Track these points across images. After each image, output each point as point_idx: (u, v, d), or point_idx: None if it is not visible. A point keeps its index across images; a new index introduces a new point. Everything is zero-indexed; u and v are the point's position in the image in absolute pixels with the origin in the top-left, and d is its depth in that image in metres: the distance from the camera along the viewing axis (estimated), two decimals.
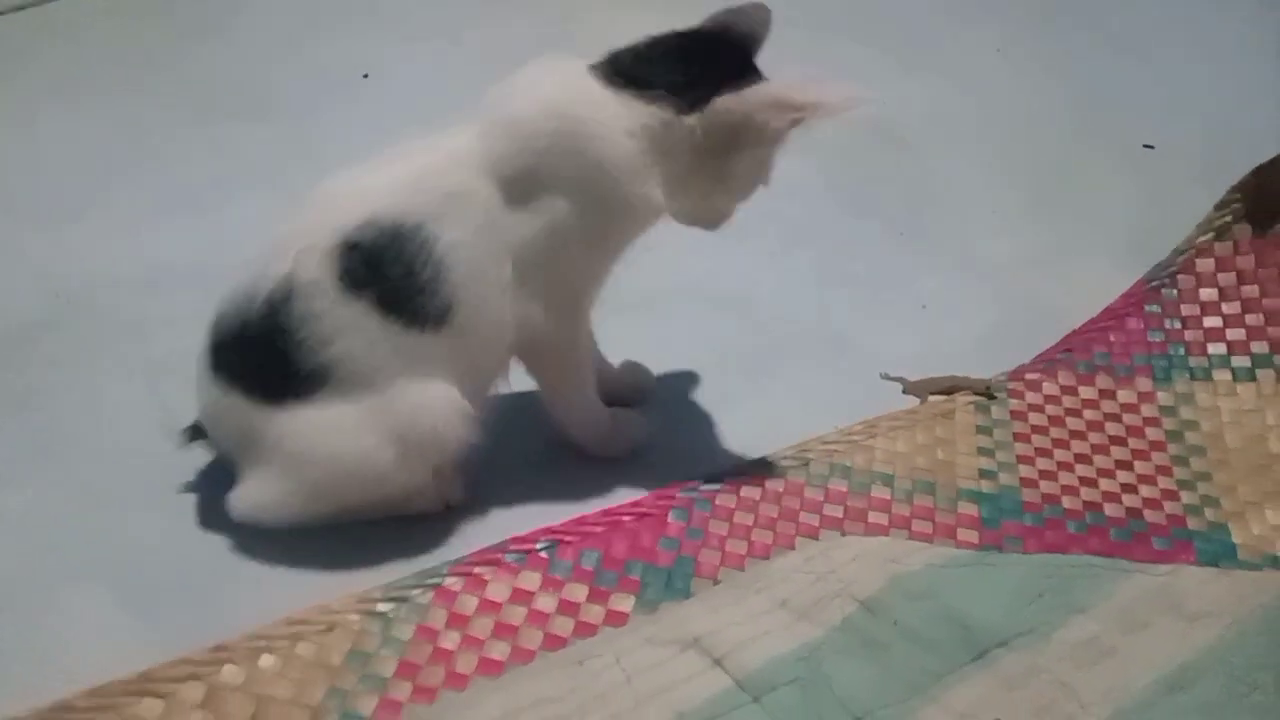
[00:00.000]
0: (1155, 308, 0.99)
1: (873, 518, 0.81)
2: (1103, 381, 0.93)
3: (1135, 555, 0.78)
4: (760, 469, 0.83)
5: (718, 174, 0.73)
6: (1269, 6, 1.47)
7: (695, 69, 0.72)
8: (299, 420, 0.71)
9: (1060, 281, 1.05)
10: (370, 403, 0.71)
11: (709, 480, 0.82)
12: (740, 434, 0.89)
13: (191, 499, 0.82)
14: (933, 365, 0.95)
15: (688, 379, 0.95)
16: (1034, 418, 0.90)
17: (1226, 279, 0.99)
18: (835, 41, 1.31)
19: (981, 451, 0.87)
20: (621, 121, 0.71)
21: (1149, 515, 0.82)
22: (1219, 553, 0.78)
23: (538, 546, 0.75)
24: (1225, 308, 0.97)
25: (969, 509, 0.82)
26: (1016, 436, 0.88)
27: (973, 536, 0.79)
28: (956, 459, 0.86)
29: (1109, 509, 0.82)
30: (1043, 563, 0.74)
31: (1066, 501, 0.83)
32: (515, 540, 0.76)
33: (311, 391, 0.71)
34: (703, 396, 0.94)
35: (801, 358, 0.96)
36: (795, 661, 0.67)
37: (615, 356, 0.92)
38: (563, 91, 0.72)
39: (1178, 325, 0.97)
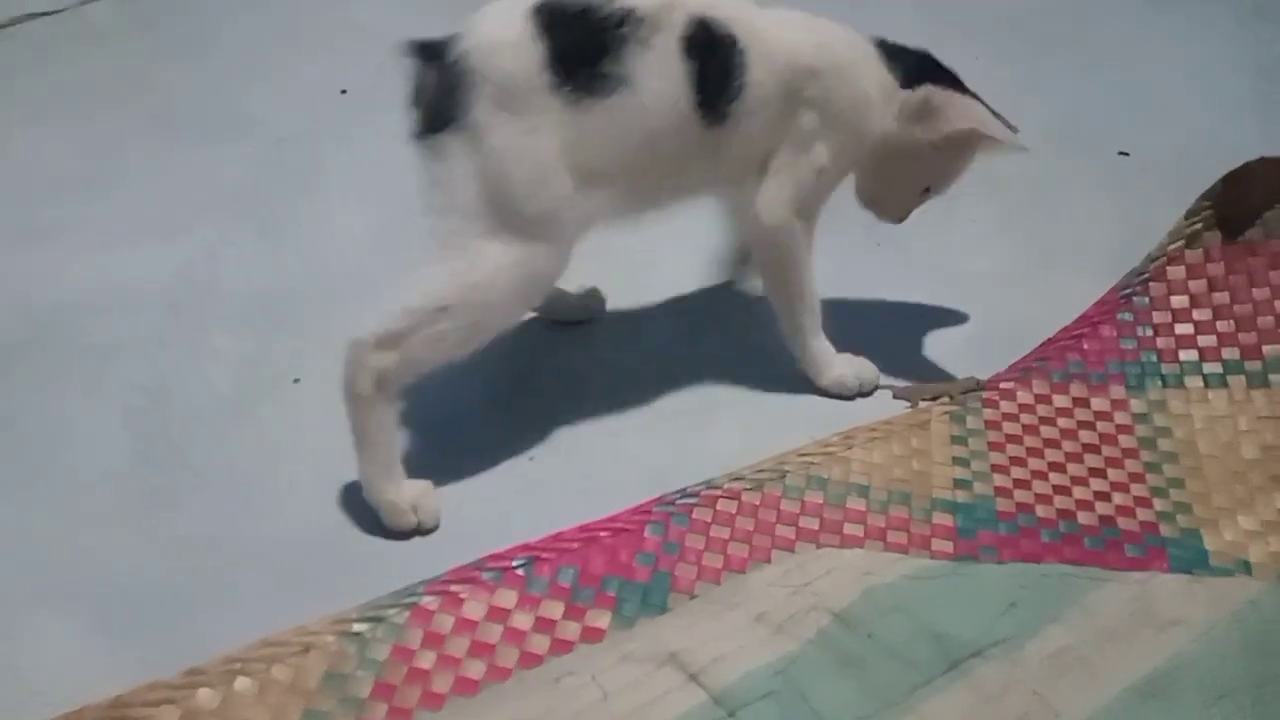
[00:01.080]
0: (1128, 315, 0.99)
1: (848, 529, 0.81)
2: (1076, 389, 0.94)
3: (1108, 563, 0.78)
4: (737, 482, 0.84)
5: (902, 161, 0.91)
6: (1242, 18, 1.49)
7: (927, 69, 0.90)
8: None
9: (1037, 292, 1.06)
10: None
11: (686, 494, 0.82)
12: (719, 446, 0.89)
13: (163, 521, 0.82)
14: (911, 378, 0.96)
15: (665, 389, 0.95)
16: (1008, 426, 0.91)
17: (1198, 286, 0.99)
18: None
19: (956, 461, 0.87)
20: (874, 70, 0.89)
21: (1122, 522, 0.82)
22: (1191, 559, 0.79)
23: (514, 564, 0.75)
24: (1197, 314, 0.98)
25: (944, 519, 0.82)
26: (991, 446, 0.89)
27: (947, 547, 0.80)
28: (932, 469, 0.87)
29: (1082, 517, 0.83)
30: (1016, 572, 0.75)
31: (1040, 510, 0.83)
32: (492, 558, 0.76)
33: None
34: (681, 408, 0.94)
35: (780, 368, 0.96)
36: (771, 676, 0.67)
37: (597, 365, 0.93)
38: (844, 35, 0.90)
39: (1149, 332, 0.98)
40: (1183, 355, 0.96)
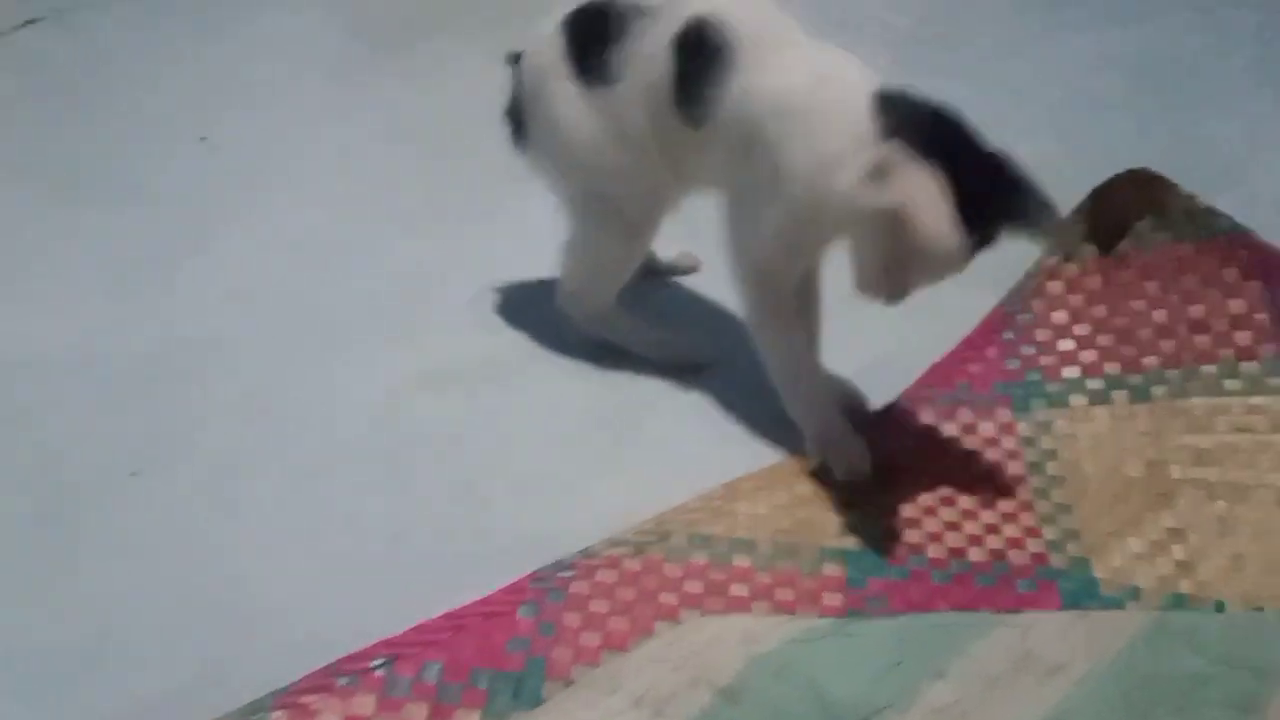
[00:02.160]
0: (1010, 334, 0.98)
1: (734, 590, 0.77)
2: (964, 416, 0.92)
3: (999, 602, 0.76)
4: (617, 548, 0.80)
5: (863, 228, 0.78)
6: (1115, 22, 1.51)
7: (936, 143, 0.74)
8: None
9: (925, 313, 1.04)
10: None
11: (562, 567, 0.78)
12: (600, 507, 0.85)
13: (63, 587, 0.79)
14: None
15: (540, 450, 0.91)
16: (898, 462, 0.88)
17: (1076, 300, 0.99)
18: None
19: (845, 505, 0.85)
20: (850, 118, 0.78)
21: (1013, 556, 0.80)
22: (1081, 590, 0.77)
23: (373, 665, 0.70)
24: (1076, 329, 0.97)
25: (833, 569, 0.79)
26: (880, 485, 0.86)
27: (837, 600, 0.77)
28: (820, 516, 0.84)
29: (973, 554, 0.81)
30: (902, 627, 0.72)
31: (931, 550, 0.81)
32: (348, 660, 0.70)
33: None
34: (558, 469, 0.90)
35: (662, 416, 0.93)
36: None
37: (467, 425, 0.90)
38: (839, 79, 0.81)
39: (1033, 350, 0.97)
40: (1065, 373, 0.95)
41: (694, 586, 0.77)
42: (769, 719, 0.65)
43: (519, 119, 0.93)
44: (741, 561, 0.79)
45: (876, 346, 0.99)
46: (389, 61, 1.43)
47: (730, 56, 0.82)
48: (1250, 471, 0.86)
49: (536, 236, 1.01)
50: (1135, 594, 0.77)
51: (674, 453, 0.92)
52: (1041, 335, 0.97)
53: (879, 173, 0.73)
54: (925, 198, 0.72)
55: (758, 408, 0.93)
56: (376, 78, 1.41)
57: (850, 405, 0.92)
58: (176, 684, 0.73)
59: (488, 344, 1.01)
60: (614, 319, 0.99)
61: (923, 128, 0.75)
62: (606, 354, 0.99)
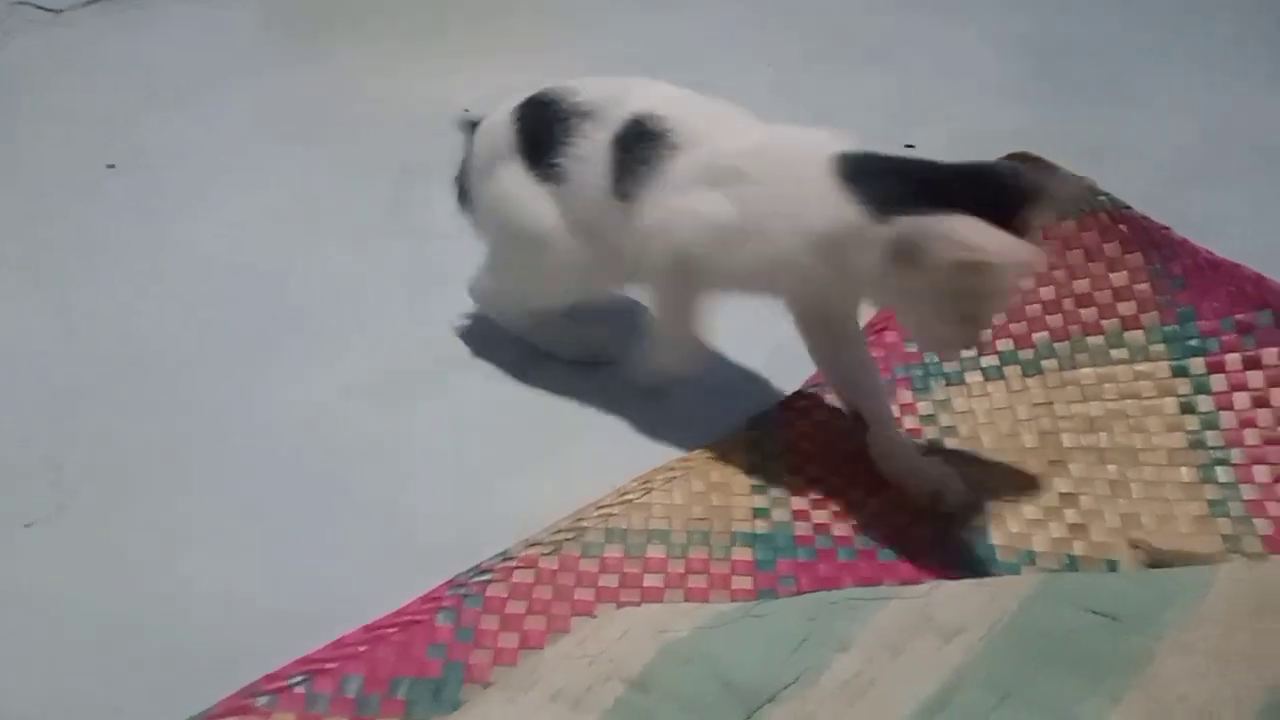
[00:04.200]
0: None
1: (648, 581, 0.79)
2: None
3: (902, 575, 0.79)
4: (534, 548, 0.81)
5: (912, 301, 0.76)
6: (1017, 6, 1.56)
7: (926, 190, 0.73)
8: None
9: None
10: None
11: (479, 571, 0.79)
12: (522, 510, 0.86)
13: None
14: (714, 393, 0.96)
15: (463, 456, 0.92)
16: (805, 446, 0.91)
17: None
18: None
19: (755, 490, 0.87)
20: (820, 213, 0.77)
21: (915, 529, 0.84)
22: (980, 557, 0.81)
23: (291, 682, 0.70)
24: None
25: (743, 553, 0.82)
26: (789, 469, 0.89)
27: (747, 583, 0.79)
28: (732, 501, 0.86)
29: (877, 529, 0.84)
30: (807, 604, 0.74)
31: (837, 529, 0.84)
32: (266, 679, 0.71)
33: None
34: (481, 474, 0.91)
35: (582, 416, 0.95)
36: None
37: (385, 431, 0.92)
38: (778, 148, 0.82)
39: None
40: (961, 352, 0.98)
41: (609, 581, 0.79)
42: (678, 706, 0.67)
43: (466, 185, 0.97)
44: (655, 552, 0.81)
45: (780, 335, 1.01)
46: (304, 61, 1.43)
47: (671, 140, 0.84)
48: (1140, 435, 0.90)
49: (460, 242, 1.01)
50: (1030, 558, 0.81)
51: (594, 451, 0.93)
52: None
53: (906, 248, 0.72)
54: (980, 236, 0.70)
55: (673, 400, 0.95)
56: (292, 78, 1.40)
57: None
58: (89, 706, 0.73)
59: (410, 352, 1.01)
60: (526, 316, 1.00)
61: (898, 183, 0.75)
62: (529, 359, 1.00)
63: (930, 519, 0.84)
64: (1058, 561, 0.81)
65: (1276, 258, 0.96)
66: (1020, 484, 0.87)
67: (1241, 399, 0.89)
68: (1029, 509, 0.85)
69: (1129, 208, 1.00)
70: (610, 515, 0.84)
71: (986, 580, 0.77)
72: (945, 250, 0.70)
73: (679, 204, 0.83)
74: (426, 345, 1.02)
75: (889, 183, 0.75)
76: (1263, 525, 0.82)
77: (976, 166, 0.76)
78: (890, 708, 0.67)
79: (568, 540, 0.82)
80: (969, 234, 0.70)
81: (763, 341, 1.01)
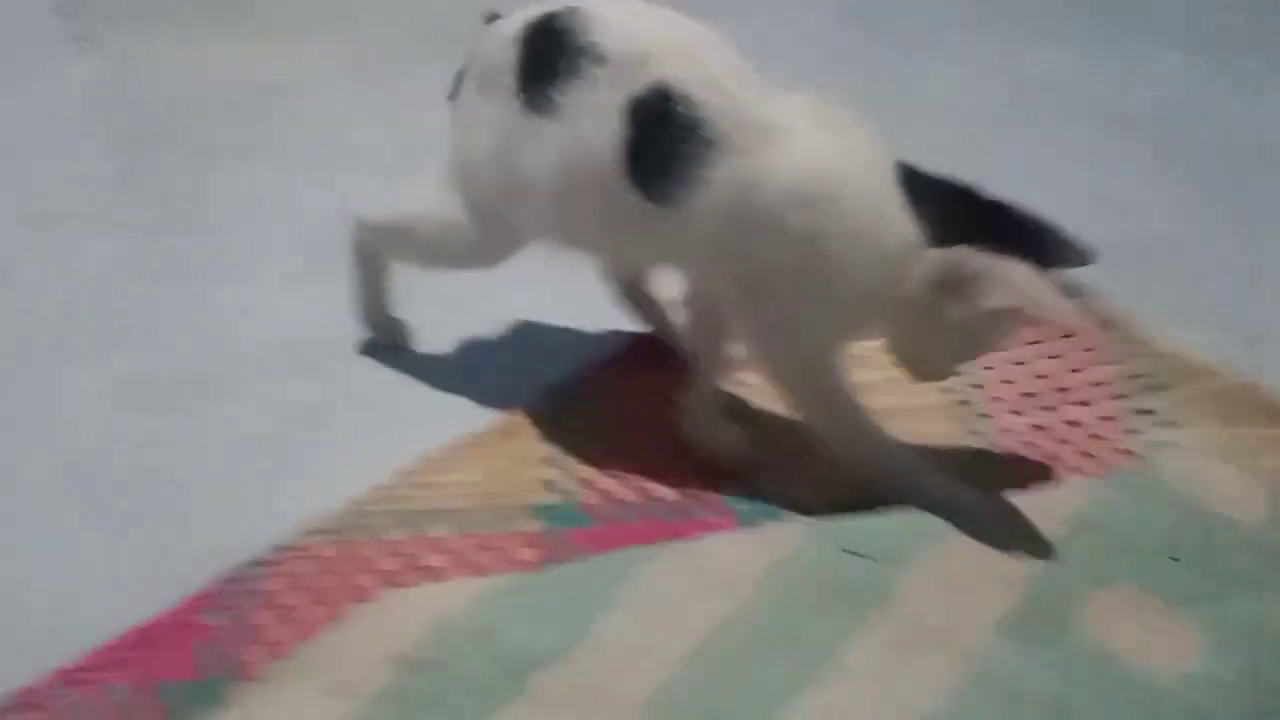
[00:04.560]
0: None
1: (434, 561, 0.79)
2: (667, 373, 0.96)
3: (683, 533, 0.81)
4: (315, 536, 0.80)
5: (934, 327, 0.75)
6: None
7: (962, 215, 0.73)
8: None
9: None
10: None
11: (255, 564, 0.77)
12: (303, 505, 0.83)
13: None
14: (507, 369, 0.96)
15: (239, 455, 0.89)
16: (600, 416, 0.92)
17: None
18: None
19: (545, 462, 0.88)
20: (891, 220, 0.74)
21: (698, 489, 0.86)
22: (757, 512, 0.83)
23: (53, 691, 0.67)
24: None
25: (530, 525, 0.82)
26: (582, 439, 0.90)
27: (531, 554, 0.80)
28: (522, 475, 0.86)
29: (661, 492, 0.85)
30: (581, 570, 0.76)
31: (624, 494, 0.85)
32: (24, 693, 0.68)
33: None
34: (259, 471, 0.88)
35: (363, 404, 0.93)
36: None
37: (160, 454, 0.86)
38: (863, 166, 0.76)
39: None
40: None
41: (391, 564, 0.79)
42: (450, 682, 0.68)
43: (460, 81, 0.86)
44: (440, 531, 0.81)
45: (579, 307, 1.02)
46: (100, 43, 1.36)
47: (709, 135, 0.74)
48: (908, 398, 0.92)
49: (235, 236, 0.97)
50: (806, 509, 0.84)
51: (378, 438, 0.90)
52: None
53: (958, 279, 0.72)
54: (1032, 287, 0.70)
55: (456, 383, 0.95)
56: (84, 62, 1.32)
57: None
58: None
59: (180, 353, 0.97)
60: (375, 268, 0.96)
61: (963, 215, 0.73)
62: (306, 352, 0.97)
63: (720, 478, 0.86)
64: (828, 506, 0.84)
65: (1076, 208, 1.01)
66: (792, 446, 0.89)
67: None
68: (810, 464, 0.88)
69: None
70: (395, 498, 0.83)
71: (756, 531, 0.80)
72: (999, 294, 0.70)
73: (787, 342, 0.78)
74: (203, 343, 0.98)
75: (952, 210, 0.74)
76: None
77: (1036, 218, 0.75)
78: (659, 662, 0.69)
79: (348, 526, 0.81)
80: (1026, 285, 0.70)
81: (560, 314, 1.02)
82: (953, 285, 0.72)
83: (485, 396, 0.94)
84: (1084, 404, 0.92)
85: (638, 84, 0.75)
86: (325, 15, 1.45)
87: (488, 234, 0.86)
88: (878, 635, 0.71)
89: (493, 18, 0.86)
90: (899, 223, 0.74)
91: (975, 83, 1.38)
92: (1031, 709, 0.66)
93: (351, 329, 0.99)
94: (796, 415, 0.84)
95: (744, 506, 0.84)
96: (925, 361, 0.81)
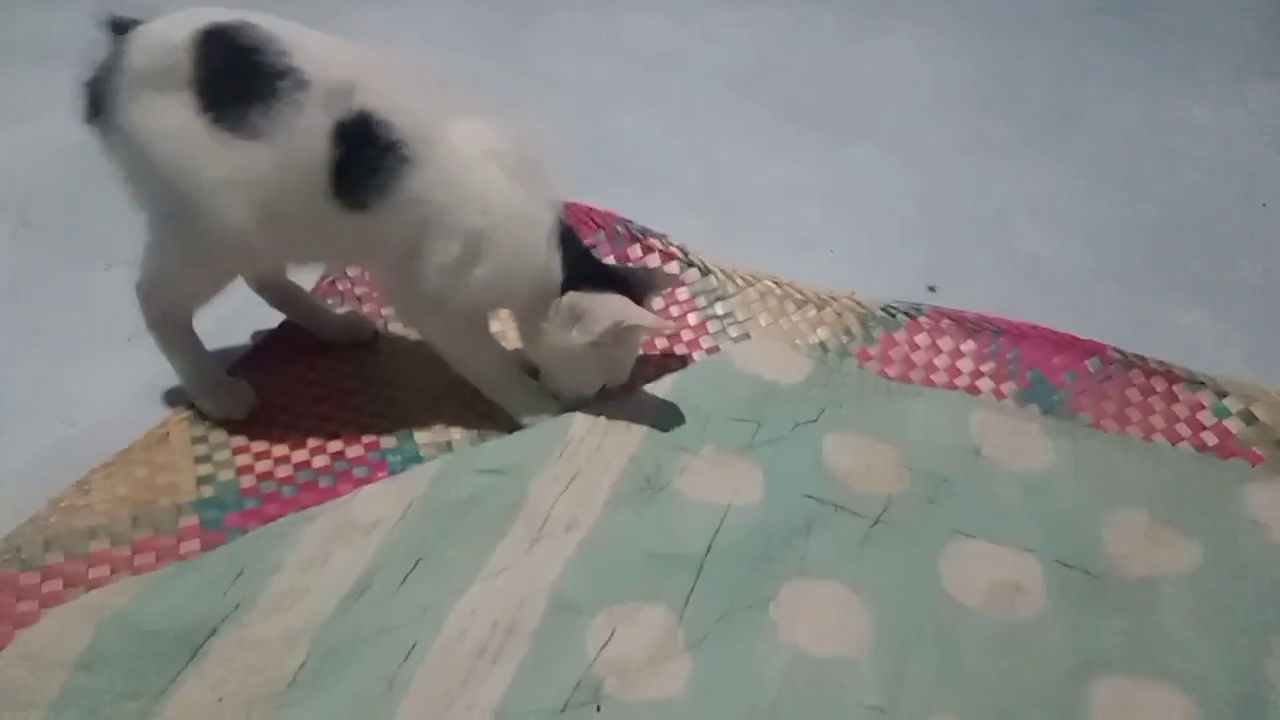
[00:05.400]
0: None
1: (94, 574, 0.82)
2: (307, 359, 1.03)
3: (341, 492, 0.89)
4: None
5: (572, 357, 0.92)
6: None
7: (581, 267, 0.91)
8: None
9: None
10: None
11: None
12: None
13: None
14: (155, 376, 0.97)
15: None
16: (265, 412, 0.97)
17: None
18: None
19: (199, 460, 0.92)
20: (543, 265, 0.90)
21: (349, 451, 0.94)
22: (408, 458, 0.93)
23: None
24: None
25: (189, 520, 0.87)
26: (232, 433, 0.95)
27: (195, 545, 0.85)
28: (176, 479, 0.90)
29: (316, 461, 0.93)
30: (240, 543, 0.82)
31: (280, 471, 0.92)
32: None
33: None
34: None
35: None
36: None
37: None
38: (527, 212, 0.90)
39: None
40: (386, 310, 1.09)
41: (53, 586, 0.81)
42: (124, 672, 0.73)
43: (100, 96, 0.83)
44: (99, 546, 0.84)
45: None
46: None
47: (403, 152, 0.83)
48: None
49: None
50: (448, 447, 0.95)
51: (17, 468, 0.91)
52: None
53: (574, 314, 0.90)
54: (625, 307, 0.89)
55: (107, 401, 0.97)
56: None
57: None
58: None
59: None
60: (179, 340, 0.94)
61: (582, 267, 0.91)
62: None
63: (374, 437, 0.95)
64: (471, 443, 0.95)
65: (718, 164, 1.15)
66: (438, 391, 1.00)
67: None
68: (448, 410, 0.98)
69: None
70: (46, 526, 0.85)
71: (400, 475, 0.89)
72: (603, 317, 0.89)
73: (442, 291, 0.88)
74: None
75: (579, 263, 0.92)
76: None
77: (625, 268, 1.03)
78: (320, 606, 0.78)
79: (3, 562, 0.81)
80: (618, 307, 0.89)
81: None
82: (571, 320, 0.90)
83: (136, 409, 0.96)
84: (677, 318, 1.10)
85: (343, 110, 0.82)
86: None
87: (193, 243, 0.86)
88: (514, 535, 0.83)
89: (121, 24, 0.84)
90: (552, 261, 0.91)
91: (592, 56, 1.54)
92: (635, 552, 0.81)
93: None
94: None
95: (395, 458, 0.93)
96: (571, 387, 0.96)
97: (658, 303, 1.11)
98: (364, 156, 0.83)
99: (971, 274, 1.20)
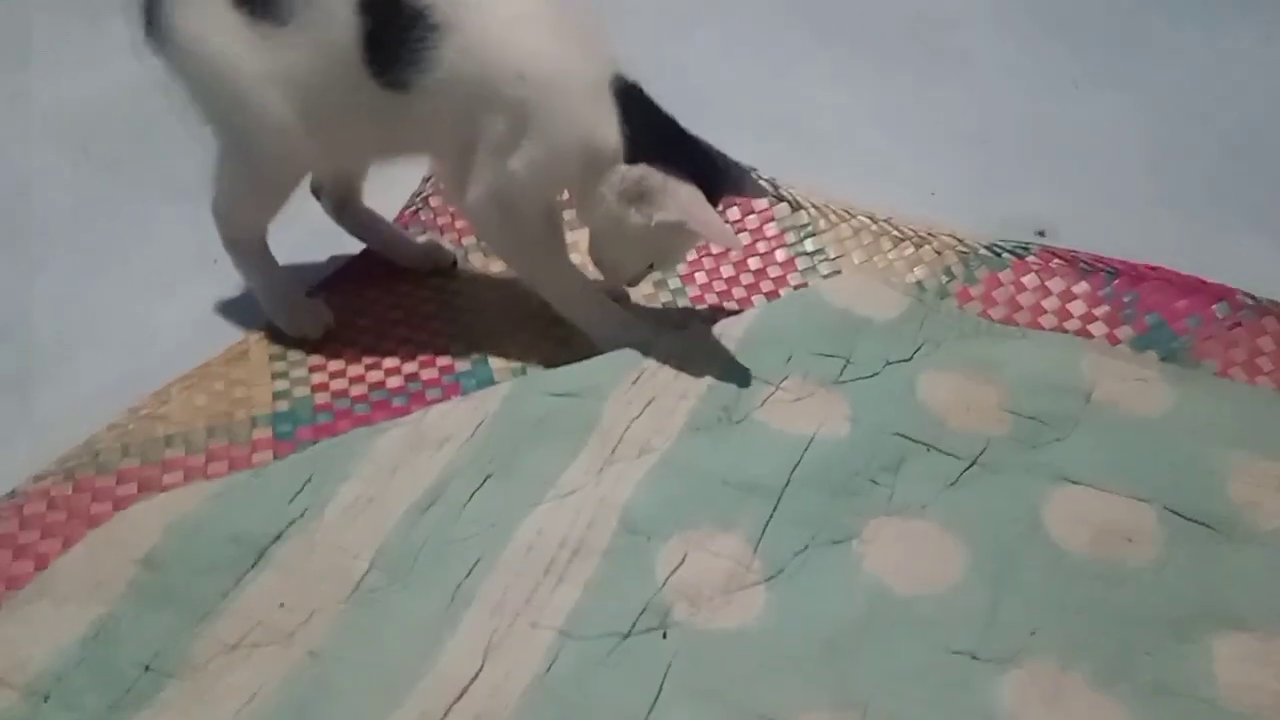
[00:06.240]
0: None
1: (167, 480, 0.82)
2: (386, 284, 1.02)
3: (413, 411, 0.87)
4: (44, 480, 0.81)
5: (620, 231, 0.83)
6: None
7: (658, 139, 0.81)
8: None
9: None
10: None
11: None
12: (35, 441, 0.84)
13: None
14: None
15: None
16: (335, 327, 0.96)
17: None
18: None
19: (276, 376, 0.92)
20: (600, 119, 0.81)
21: (424, 373, 0.92)
22: (482, 381, 0.91)
23: None
24: None
25: (263, 432, 0.86)
26: (309, 351, 0.94)
27: (268, 456, 0.84)
28: (253, 393, 0.90)
29: (390, 381, 0.91)
30: (310, 453, 0.81)
31: (354, 389, 0.90)
32: None
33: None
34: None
35: (66, 362, 0.93)
36: (85, 644, 0.68)
37: None
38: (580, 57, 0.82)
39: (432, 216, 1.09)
40: (466, 240, 1.07)
41: (127, 489, 0.81)
42: (190, 571, 0.72)
43: (153, 7, 0.82)
44: (173, 454, 0.84)
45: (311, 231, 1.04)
46: None
47: (434, 20, 0.78)
48: None
49: None
50: (524, 372, 0.92)
51: (91, 390, 0.92)
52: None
53: (638, 191, 0.80)
54: (698, 208, 0.79)
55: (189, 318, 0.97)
56: None
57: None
58: None
59: None
60: (255, 258, 0.93)
61: (659, 139, 0.81)
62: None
63: (450, 359, 0.93)
64: (546, 368, 0.92)
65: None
66: (515, 318, 0.98)
67: None
68: (524, 337, 0.96)
69: None
70: (125, 431, 0.85)
71: (473, 394, 0.87)
72: (668, 208, 0.80)
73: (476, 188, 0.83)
74: None
75: (651, 130, 0.81)
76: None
77: (714, 152, 0.84)
78: (387, 514, 0.76)
79: (80, 465, 0.82)
80: (690, 203, 0.80)
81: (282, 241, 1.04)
82: (634, 196, 0.81)
83: (217, 328, 0.97)
84: (764, 255, 1.05)
85: None
86: None
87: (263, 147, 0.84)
88: (585, 456, 0.80)
89: None
90: (602, 125, 0.81)
91: None
92: (710, 479, 0.77)
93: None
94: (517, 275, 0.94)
95: (469, 381, 0.91)
96: (614, 266, 0.90)
97: (743, 237, 1.06)
98: (393, 26, 0.78)
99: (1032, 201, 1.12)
